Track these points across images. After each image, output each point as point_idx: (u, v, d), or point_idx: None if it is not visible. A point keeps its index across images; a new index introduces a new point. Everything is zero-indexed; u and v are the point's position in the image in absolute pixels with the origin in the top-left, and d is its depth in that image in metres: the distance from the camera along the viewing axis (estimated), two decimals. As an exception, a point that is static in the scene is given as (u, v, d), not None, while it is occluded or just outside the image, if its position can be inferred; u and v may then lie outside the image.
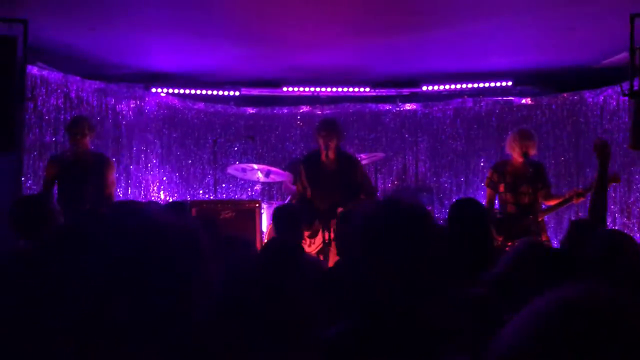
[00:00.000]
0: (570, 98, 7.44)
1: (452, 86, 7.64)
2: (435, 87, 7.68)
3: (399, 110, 8.07)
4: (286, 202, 6.46)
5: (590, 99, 7.24)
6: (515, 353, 0.64)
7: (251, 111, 8.17)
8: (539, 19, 5.43)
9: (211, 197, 7.52)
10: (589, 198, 4.99)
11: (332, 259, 4.79)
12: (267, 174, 6.60)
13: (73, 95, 6.57)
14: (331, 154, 5.03)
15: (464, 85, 7.60)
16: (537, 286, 2.46)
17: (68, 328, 0.90)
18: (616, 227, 6.44)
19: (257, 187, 7.43)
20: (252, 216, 5.60)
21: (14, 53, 4.31)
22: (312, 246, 4.88)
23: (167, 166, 7.76)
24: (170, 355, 0.94)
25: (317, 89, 7.75)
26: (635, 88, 4.81)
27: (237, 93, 7.76)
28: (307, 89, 7.75)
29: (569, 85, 7.43)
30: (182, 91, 7.67)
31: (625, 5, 4.73)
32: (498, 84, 7.54)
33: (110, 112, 7.05)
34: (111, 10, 5.04)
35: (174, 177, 7.82)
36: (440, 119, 7.99)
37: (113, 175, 5.11)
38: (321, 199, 5.01)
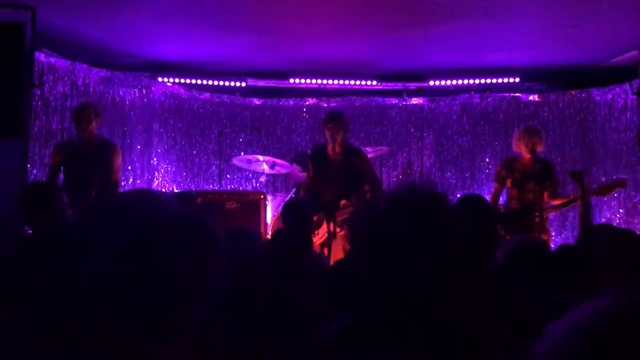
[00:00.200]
0: (578, 96, 7.40)
1: (459, 81, 7.61)
2: (443, 82, 7.64)
3: (405, 105, 8.04)
4: (291, 194, 6.46)
5: (598, 97, 7.21)
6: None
7: (257, 102, 8.15)
8: (548, 16, 5.40)
9: (216, 188, 7.52)
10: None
11: (336, 250, 4.79)
12: (272, 165, 6.59)
13: (80, 82, 6.56)
14: (337, 147, 5.03)
15: (471, 81, 7.57)
16: (529, 282, 2.45)
17: (74, 320, 0.89)
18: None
19: (262, 178, 7.43)
20: (257, 208, 5.60)
21: (22, 39, 4.31)
22: (316, 237, 4.88)
23: (172, 156, 7.75)
24: (178, 348, 0.92)
25: (324, 81, 7.73)
26: (645, 87, 4.77)
27: (243, 84, 7.74)
28: (313, 81, 7.72)
29: (576, 83, 7.40)
30: (188, 81, 7.66)
31: (635, 4, 4.69)
32: (505, 80, 7.50)
33: (116, 100, 7.04)
34: (119, -2, 5.03)
35: (179, 167, 7.82)
36: (447, 114, 7.96)
37: (119, 161, 5.10)
38: (326, 190, 5.01)
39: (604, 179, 6.62)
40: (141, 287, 0.87)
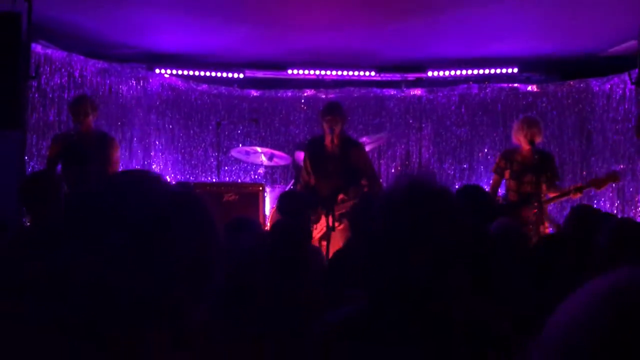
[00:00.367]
0: (577, 86, 7.39)
1: (458, 72, 7.59)
2: (441, 73, 7.62)
3: (404, 96, 8.02)
4: (289, 185, 6.45)
5: (597, 87, 7.19)
6: (568, 347, 0.60)
7: (255, 94, 8.12)
8: (546, 5, 5.38)
9: (214, 180, 7.50)
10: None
11: (335, 244, 4.78)
12: (270, 157, 6.58)
13: (77, 74, 6.53)
14: (335, 139, 5.00)
15: (470, 72, 7.55)
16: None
17: (73, 313, 0.86)
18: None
19: (261, 170, 7.41)
20: (256, 199, 5.59)
21: (18, 30, 4.27)
22: (314, 231, 4.87)
23: (170, 148, 7.73)
24: (179, 341, 0.90)
25: (322, 73, 7.70)
26: (644, 76, 4.76)
27: (241, 75, 7.71)
28: (311, 72, 7.69)
29: (575, 73, 7.39)
30: (185, 72, 7.62)
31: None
32: (504, 70, 7.48)
33: (113, 92, 7.01)
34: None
35: (177, 159, 7.80)
36: (445, 105, 7.94)
37: (117, 154, 5.10)
38: (324, 183, 4.99)
39: (603, 170, 6.62)
40: (140, 273, 0.84)
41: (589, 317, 0.59)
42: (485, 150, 7.73)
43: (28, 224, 4.50)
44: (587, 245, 2.39)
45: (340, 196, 4.92)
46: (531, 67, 7.51)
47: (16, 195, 4.49)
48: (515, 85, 7.69)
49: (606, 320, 0.58)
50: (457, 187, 7.76)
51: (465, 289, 1.32)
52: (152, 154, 7.51)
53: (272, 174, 7.93)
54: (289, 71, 7.66)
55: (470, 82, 7.76)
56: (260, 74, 7.76)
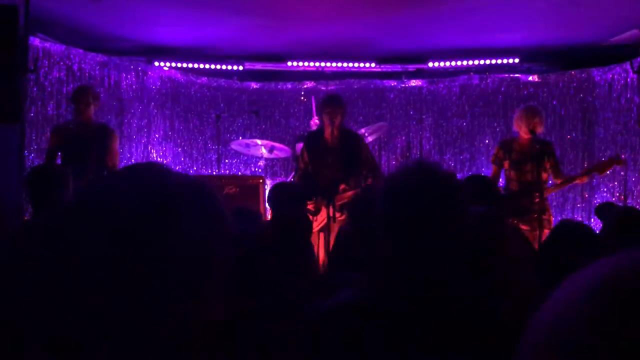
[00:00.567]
0: (578, 76, 7.35)
1: (459, 62, 7.55)
2: (442, 64, 7.58)
3: (404, 87, 7.99)
4: (290, 177, 6.42)
5: (598, 77, 7.16)
6: (560, 335, 0.58)
7: (255, 86, 8.09)
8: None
9: (214, 173, 7.49)
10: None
11: (335, 235, 4.76)
12: (270, 149, 6.56)
13: (75, 67, 6.50)
14: (335, 131, 4.98)
15: (471, 62, 7.51)
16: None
17: (70, 330, 0.80)
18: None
19: (261, 162, 7.39)
20: (256, 192, 5.57)
21: (16, 23, 4.24)
22: (314, 223, 4.85)
23: (170, 141, 7.71)
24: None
25: (322, 64, 7.66)
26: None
27: (240, 67, 7.67)
28: (311, 64, 7.65)
29: (576, 63, 7.35)
30: (185, 65, 7.59)
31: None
32: (505, 60, 7.44)
33: (112, 85, 6.99)
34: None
35: (177, 152, 7.78)
36: (446, 96, 7.91)
37: (116, 145, 5.09)
38: (324, 175, 4.97)
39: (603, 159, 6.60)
40: (142, 277, 0.78)
41: (588, 304, 0.56)
42: (486, 141, 7.70)
43: (28, 217, 4.49)
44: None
45: (342, 186, 4.90)
46: (532, 57, 7.47)
47: (15, 189, 4.49)
48: (516, 75, 7.66)
49: (608, 308, 0.55)
50: (458, 177, 7.74)
51: (468, 276, 1.31)
52: (152, 147, 7.49)
53: (273, 167, 7.91)
54: (289, 63, 7.63)
55: (471, 73, 7.72)
56: (259, 66, 7.73)
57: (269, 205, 3.87)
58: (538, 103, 7.16)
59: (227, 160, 7.90)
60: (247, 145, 6.71)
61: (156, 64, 7.45)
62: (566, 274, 0.63)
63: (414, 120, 8.00)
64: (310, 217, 4.76)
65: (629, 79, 6.65)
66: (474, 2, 5.50)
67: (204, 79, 7.89)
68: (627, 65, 6.47)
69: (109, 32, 6.54)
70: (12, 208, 4.36)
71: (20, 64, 4.33)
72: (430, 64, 7.62)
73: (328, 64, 7.67)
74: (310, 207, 4.76)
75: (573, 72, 7.38)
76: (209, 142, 7.91)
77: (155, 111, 7.54)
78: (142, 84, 7.36)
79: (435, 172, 1.37)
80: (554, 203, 7.03)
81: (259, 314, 2.00)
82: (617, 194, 6.73)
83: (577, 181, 5.07)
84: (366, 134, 6.60)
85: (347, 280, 1.92)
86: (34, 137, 6.04)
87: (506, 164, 5.10)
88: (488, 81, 7.72)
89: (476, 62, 7.50)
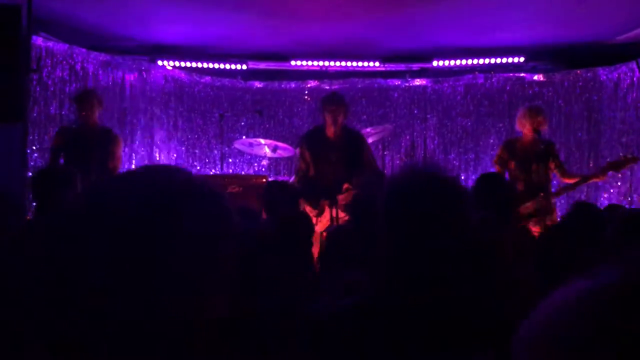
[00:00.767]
0: (584, 75, 7.31)
1: (463, 62, 7.51)
2: (446, 63, 7.55)
3: (409, 86, 7.96)
4: (293, 177, 6.39)
5: (604, 76, 7.11)
6: (547, 343, 0.59)
7: (258, 85, 8.08)
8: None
9: (218, 172, 7.48)
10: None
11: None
12: (274, 149, 6.54)
13: (78, 67, 6.50)
14: (337, 129, 4.95)
15: (475, 61, 7.47)
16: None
17: (73, 330, 0.78)
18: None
19: (264, 162, 7.37)
20: (259, 191, 5.55)
21: (18, 22, 4.23)
22: (318, 224, 4.82)
23: (173, 140, 7.71)
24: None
25: (326, 64, 7.64)
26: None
27: (244, 67, 7.65)
28: (315, 63, 7.63)
29: (582, 62, 7.30)
30: (188, 64, 7.58)
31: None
32: (510, 59, 7.40)
33: (115, 85, 6.98)
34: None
35: (180, 151, 7.78)
36: (450, 95, 7.88)
37: (120, 150, 5.10)
38: (327, 175, 4.94)
39: (608, 159, 6.55)
40: (146, 278, 0.77)
41: (588, 301, 0.57)
42: (491, 140, 7.66)
43: (31, 217, 4.48)
44: (589, 237, 2.35)
45: (345, 185, 4.87)
46: (537, 56, 7.43)
47: (18, 188, 4.48)
48: (522, 74, 7.62)
49: (608, 304, 0.56)
50: (463, 177, 7.71)
51: (469, 276, 1.30)
52: (155, 146, 7.48)
53: (276, 166, 7.90)
54: (293, 62, 7.60)
55: (476, 72, 7.69)
56: (263, 66, 7.71)
57: (263, 204, 3.85)
58: (543, 102, 7.13)
59: (230, 160, 7.89)
60: (251, 145, 6.70)
61: (159, 63, 7.44)
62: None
63: (418, 120, 7.97)
64: (314, 217, 4.74)
65: (635, 78, 6.61)
66: (479, 0, 5.47)
67: (208, 78, 7.88)
68: (634, 64, 6.43)
69: (112, 31, 6.53)
70: (14, 207, 4.35)
71: (23, 64, 4.33)
72: (435, 63, 7.58)
73: (332, 63, 7.65)
74: (311, 213, 4.73)
75: (579, 71, 7.34)
76: (212, 141, 7.90)
77: (159, 110, 7.53)
78: (146, 83, 7.36)
79: (437, 173, 1.37)
80: (559, 203, 6.99)
81: (260, 312, 1.99)
82: (624, 193, 6.69)
83: (596, 179, 5.00)
84: (372, 132, 6.59)
85: (344, 280, 1.91)
86: (36, 137, 6.04)
87: (512, 165, 5.04)
88: (493, 80, 7.69)
89: (481, 61, 7.46)
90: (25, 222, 4.16)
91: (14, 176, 4.61)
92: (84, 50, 6.56)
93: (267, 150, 6.54)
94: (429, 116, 7.95)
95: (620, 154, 6.13)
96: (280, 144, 6.64)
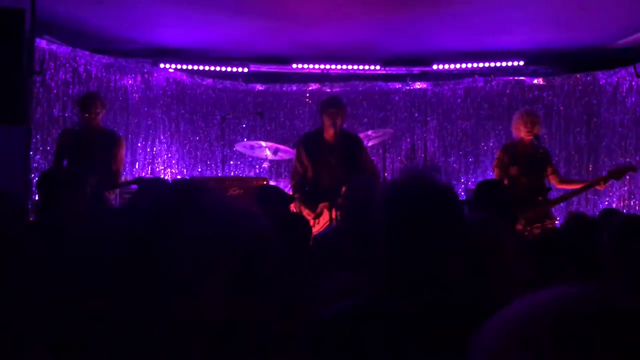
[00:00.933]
0: (583, 79, 7.33)
1: (464, 65, 7.54)
2: (447, 66, 7.58)
3: (409, 89, 7.99)
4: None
5: (603, 80, 7.14)
6: (497, 354, 0.61)
7: (260, 88, 8.11)
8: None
9: (219, 174, 7.51)
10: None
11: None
12: (275, 151, 6.57)
13: (81, 69, 6.54)
14: (336, 132, 4.97)
15: (476, 65, 7.50)
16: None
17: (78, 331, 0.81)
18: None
19: (265, 164, 7.40)
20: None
21: (22, 25, 4.27)
22: (317, 226, 4.85)
23: (175, 142, 7.74)
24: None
25: (327, 67, 7.67)
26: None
27: (245, 69, 7.70)
28: (316, 66, 7.67)
29: (582, 66, 7.33)
30: (190, 67, 7.62)
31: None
32: (510, 63, 7.43)
33: (118, 87, 7.02)
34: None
35: (182, 153, 7.81)
36: (451, 99, 7.90)
37: (122, 152, 5.12)
38: (325, 177, 4.95)
39: (609, 164, 6.58)
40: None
41: (522, 329, 0.60)
42: (491, 143, 7.68)
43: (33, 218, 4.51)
44: (585, 243, 2.37)
45: (344, 188, 4.88)
46: (538, 60, 7.46)
47: (21, 190, 4.52)
48: (522, 78, 7.64)
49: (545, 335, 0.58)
50: (462, 180, 7.74)
51: (468, 277, 1.32)
52: (157, 148, 7.52)
53: (277, 168, 7.93)
54: (294, 65, 7.64)
55: (476, 76, 7.71)
56: (265, 68, 7.75)
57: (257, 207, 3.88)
58: (543, 106, 7.16)
59: (232, 162, 7.92)
60: (252, 147, 6.74)
61: (162, 65, 7.48)
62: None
63: (418, 123, 7.99)
64: (312, 220, 4.77)
65: (634, 83, 6.63)
66: (479, 4, 5.50)
67: (210, 80, 7.92)
68: (632, 69, 6.46)
69: (114, 34, 6.58)
70: (15, 208, 4.38)
71: (27, 66, 4.37)
72: (435, 67, 7.61)
73: (333, 66, 7.68)
74: (309, 216, 4.77)
75: (578, 75, 7.36)
76: (213, 143, 7.93)
77: (161, 113, 7.57)
78: (148, 86, 7.40)
79: (434, 177, 1.40)
80: (558, 207, 7.02)
81: (259, 313, 2.01)
82: (623, 198, 6.71)
83: (598, 187, 4.99)
84: (373, 135, 6.62)
85: (336, 282, 1.94)
86: (39, 139, 6.08)
87: (513, 169, 4.94)
88: (493, 84, 7.71)
89: (481, 64, 7.49)
90: (27, 224, 4.20)
91: (16, 178, 4.65)
92: (87, 53, 6.60)
93: (268, 152, 6.58)
94: (429, 119, 7.98)
95: (619, 162, 6.17)
96: (281, 146, 6.67)
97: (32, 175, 5.68)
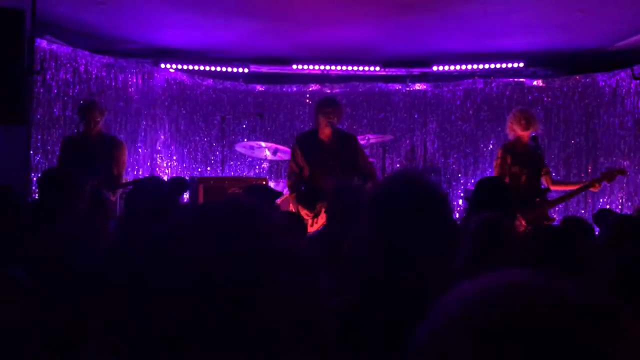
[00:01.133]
0: (582, 80, 7.35)
1: (464, 67, 7.56)
2: (446, 68, 7.60)
3: (409, 90, 8.01)
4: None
5: (603, 82, 7.15)
6: (432, 344, 0.61)
7: (260, 88, 8.13)
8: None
9: (219, 174, 7.53)
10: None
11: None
12: (274, 152, 6.59)
13: (82, 69, 6.56)
14: (332, 132, 4.97)
15: (475, 66, 7.52)
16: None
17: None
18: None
19: (265, 165, 7.42)
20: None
21: (22, 25, 4.29)
22: (314, 226, 4.86)
23: (175, 142, 7.76)
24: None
25: (327, 67, 7.69)
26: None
27: (246, 70, 7.72)
28: (316, 67, 7.69)
29: (581, 68, 7.34)
30: (191, 67, 7.64)
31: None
32: (510, 65, 7.45)
33: (118, 87, 7.04)
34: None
35: (182, 153, 7.83)
36: (450, 100, 7.92)
37: (124, 157, 5.13)
38: (322, 177, 4.94)
39: (608, 165, 6.60)
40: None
41: (450, 317, 0.60)
42: (491, 145, 7.70)
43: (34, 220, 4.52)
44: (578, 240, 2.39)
45: (330, 190, 4.88)
46: (537, 61, 7.47)
47: (21, 190, 4.54)
48: (521, 80, 7.66)
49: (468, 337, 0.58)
50: (462, 181, 7.75)
51: (457, 272, 1.34)
52: (158, 148, 7.54)
53: (277, 169, 7.94)
54: (294, 66, 7.66)
55: (476, 77, 7.73)
56: (265, 69, 7.77)
57: None
58: (542, 108, 7.17)
59: (231, 162, 7.94)
60: (252, 148, 6.76)
61: (162, 65, 7.50)
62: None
63: (418, 124, 8.01)
64: (309, 220, 4.78)
65: (633, 85, 6.64)
66: (479, 6, 5.51)
67: (210, 81, 7.94)
68: (631, 71, 6.47)
69: (115, 35, 6.60)
70: (16, 207, 4.40)
71: (27, 66, 4.39)
72: (435, 68, 7.63)
73: (333, 67, 7.70)
74: (307, 217, 4.78)
75: (578, 77, 7.38)
76: (214, 143, 7.95)
77: (161, 113, 7.59)
78: (148, 86, 7.42)
79: (421, 177, 1.41)
80: (557, 208, 7.03)
81: (258, 312, 2.02)
82: (620, 199, 6.73)
83: (592, 189, 4.99)
84: (372, 138, 6.65)
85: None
86: (39, 138, 6.10)
87: (514, 169, 4.91)
88: (492, 85, 7.73)
89: (481, 66, 7.51)
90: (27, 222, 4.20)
91: (17, 178, 4.67)
92: (87, 53, 6.62)
93: (267, 153, 6.60)
94: (429, 120, 7.99)
95: (617, 164, 6.20)
96: (280, 147, 6.69)
97: (33, 175, 5.71)
